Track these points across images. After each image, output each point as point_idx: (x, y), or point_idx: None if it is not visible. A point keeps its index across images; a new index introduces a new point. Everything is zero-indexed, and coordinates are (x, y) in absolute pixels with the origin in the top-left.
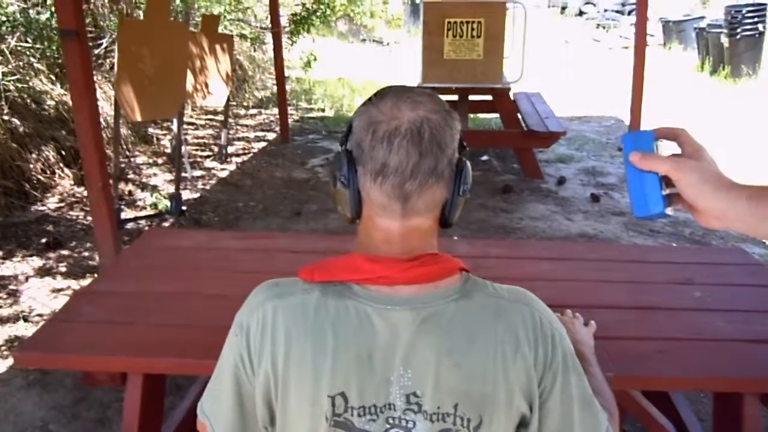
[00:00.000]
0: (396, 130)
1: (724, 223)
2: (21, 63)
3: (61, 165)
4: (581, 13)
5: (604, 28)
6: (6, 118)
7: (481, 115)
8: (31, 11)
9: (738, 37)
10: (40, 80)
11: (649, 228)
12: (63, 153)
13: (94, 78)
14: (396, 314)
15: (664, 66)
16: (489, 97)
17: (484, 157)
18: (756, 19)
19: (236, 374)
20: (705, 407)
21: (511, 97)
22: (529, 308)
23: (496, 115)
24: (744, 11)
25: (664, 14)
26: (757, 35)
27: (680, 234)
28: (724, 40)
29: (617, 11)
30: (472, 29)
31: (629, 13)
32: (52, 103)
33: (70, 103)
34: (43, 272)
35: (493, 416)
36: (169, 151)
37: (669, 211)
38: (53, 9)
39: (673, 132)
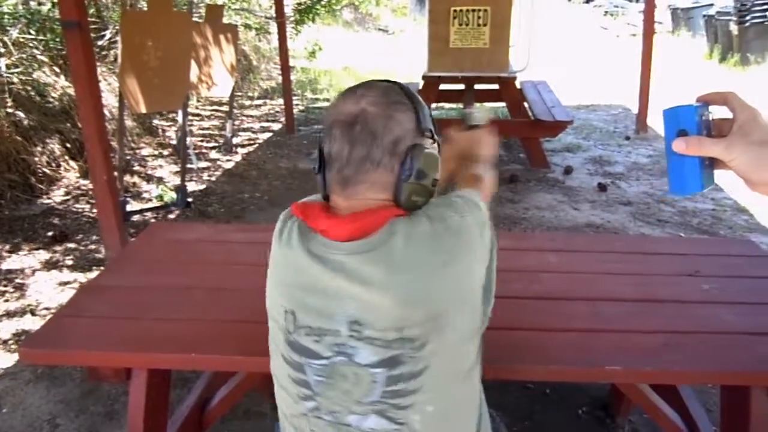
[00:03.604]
0: (334, 122)
1: None
2: (24, 55)
3: (67, 158)
4: (588, 0)
5: (611, 15)
6: (10, 110)
7: (487, 104)
8: (32, 2)
9: (747, 24)
10: (44, 72)
11: (657, 218)
12: (68, 146)
13: (98, 70)
14: (342, 257)
15: (673, 53)
16: (495, 86)
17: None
18: (765, 7)
19: None
20: (712, 398)
21: (518, 86)
22: (445, 223)
23: (503, 104)
24: None
25: (673, 1)
26: (766, 23)
27: (688, 224)
28: (733, 28)
29: None
30: (478, 17)
31: (637, 0)
32: (57, 95)
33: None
34: (49, 265)
35: (440, 331)
36: (174, 142)
37: (705, 190)
38: (55, 0)
39: (722, 97)
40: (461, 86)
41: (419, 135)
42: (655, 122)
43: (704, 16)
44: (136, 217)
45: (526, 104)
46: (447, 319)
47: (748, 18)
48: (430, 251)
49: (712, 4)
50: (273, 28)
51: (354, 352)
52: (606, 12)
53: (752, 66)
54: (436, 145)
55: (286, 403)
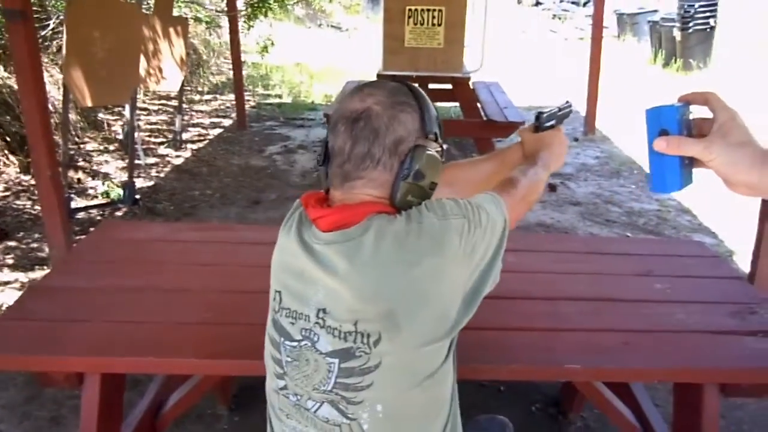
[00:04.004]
0: (339, 118)
1: (757, 194)
2: None
3: (6, 152)
4: (537, 3)
5: (559, 18)
6: None
7: (440, 104)
8: None
9: (690, 31)
10: None
11: (605, 218)
12: (8, 139)
13: (41, 61)
14: (320, 247)
15: (618, 58)
16: (449, 86)
17: (444, 146)
18: (707, 14)
19: None
20: (659, 393)
21: (471, 86)
22: (420, 224)
23: (455, 103)
24: (696, 6)
25: (619, 6)
26: (708, 29)
27: (635, 224)
28: (677, 34)
29: (573, 2)
30: (433, 17)
31: (584, 4)
32: None
33: (16, 87)
34: None
35: (395, 330)
36: (120, 137)
37: (685, 188)
38: None
39: (703, 97)
40: (415, 86)
41: (423, 137)
42: (603, 124)
43: (649, 21)
44: (81, 215)
45: (478, 104)
46: (403, 319)
47: (690, 24)
48: (396, 250)
49: (656, 11)
50: (224, 21)
51: (317, 338)
52: (554, 15)
53: (694, 71)
54: (440, 148)
55: (267, 378)
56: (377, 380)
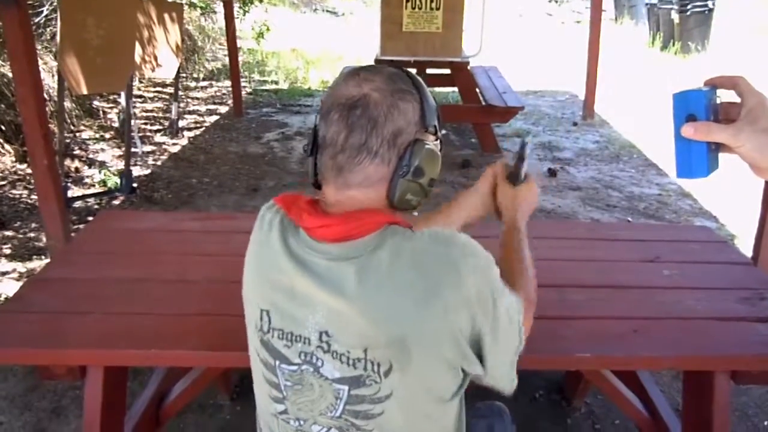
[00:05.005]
0: (333, 105)
1: None
2: None
3: (1, 141)
4: None
5: (556, 2)
6: None
7: (438, 89)
8: None
9: (688, 13)
10: None
11: (605, 203)
12: (3, 128)
13: (36, 48)
14: (318, 260)
15: (616, 41)
16: (447, 71)
17: (442, 131)
18: None
19: None
20: (663, 378)
21: (469, 71)
22: (446, 248)
23: (454, 88)
24: None
25: None
26: (706, 12)
27: (635, 208)
28: (675, 16)
29: None
30: (431, 1)
31: None
32: None
33: (10, 75)
34: None
35: (406, 360)
36: (116, 125)
37: (711, 174)
38: None
39: (731, 81)
40: (413, 71)
41: (422, 129)
42: (602, 108)
43: (647, 4)
44: (78, 204)
45: (477, 89)
46: (414, 349)
47: (689, 7)
48: (415, 271)
49: None
50: (218, 7)
51: (320, 363)
52: None
53: (693, 54)
54: (438, 142)
55: (260, 400)
56: (389, 409)
